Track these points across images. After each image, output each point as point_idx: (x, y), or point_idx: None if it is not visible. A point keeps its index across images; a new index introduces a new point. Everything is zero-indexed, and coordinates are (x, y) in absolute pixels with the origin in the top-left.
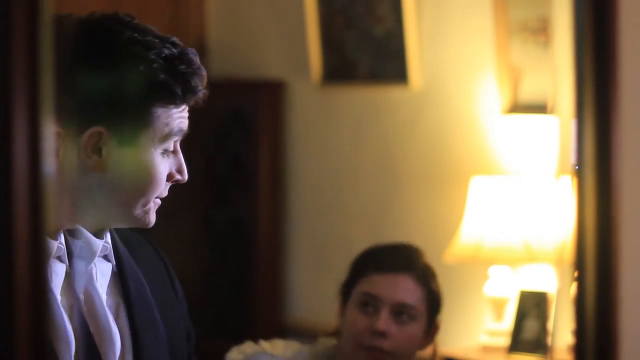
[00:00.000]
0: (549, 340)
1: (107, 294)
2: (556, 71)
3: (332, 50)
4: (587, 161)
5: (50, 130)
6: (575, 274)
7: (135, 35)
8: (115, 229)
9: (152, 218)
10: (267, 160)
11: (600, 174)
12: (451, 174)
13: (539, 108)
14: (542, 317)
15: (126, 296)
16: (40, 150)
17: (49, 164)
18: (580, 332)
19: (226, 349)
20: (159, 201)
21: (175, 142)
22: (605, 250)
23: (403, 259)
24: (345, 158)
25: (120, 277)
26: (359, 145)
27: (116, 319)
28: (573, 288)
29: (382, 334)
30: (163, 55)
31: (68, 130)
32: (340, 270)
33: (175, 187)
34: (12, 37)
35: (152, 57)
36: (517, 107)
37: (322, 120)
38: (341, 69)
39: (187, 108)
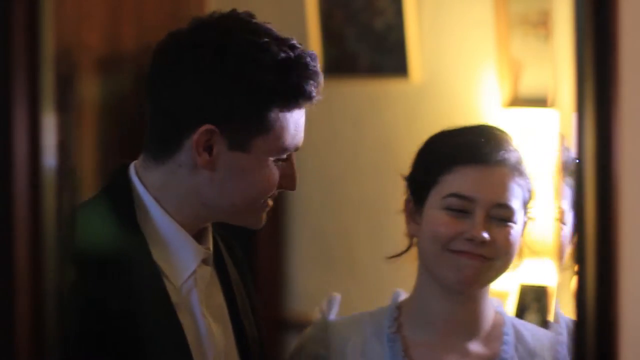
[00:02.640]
0: None
1: (206, 298)
2: (557, 64)
3: (332, 43)
4: (587, 154)
5: (50, 124)
6: (576, 268)
7: (252, 37)
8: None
9: (262, 219)
10: None
11: (600, 167)
12: None
13: (540, 101)
14: (543, 311)
15: (230, 300)
16: (41, 144)
17: (49, 157)
18: (580, 325)
19: None
20: (270, 202)
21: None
22: (605, 244)
23: (497, 147)
24: (345, 151)
25: (223, 280)
26: (359, 138)
27: (217, 322)
28: (573, 282)
29: (482, 242)
30: (279, 58)
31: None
32: (340, 264)
33: None
34: (12, 31)
35: (267, 60)
36: (518, 101)
37: (322, 114)
38: (341, 62)
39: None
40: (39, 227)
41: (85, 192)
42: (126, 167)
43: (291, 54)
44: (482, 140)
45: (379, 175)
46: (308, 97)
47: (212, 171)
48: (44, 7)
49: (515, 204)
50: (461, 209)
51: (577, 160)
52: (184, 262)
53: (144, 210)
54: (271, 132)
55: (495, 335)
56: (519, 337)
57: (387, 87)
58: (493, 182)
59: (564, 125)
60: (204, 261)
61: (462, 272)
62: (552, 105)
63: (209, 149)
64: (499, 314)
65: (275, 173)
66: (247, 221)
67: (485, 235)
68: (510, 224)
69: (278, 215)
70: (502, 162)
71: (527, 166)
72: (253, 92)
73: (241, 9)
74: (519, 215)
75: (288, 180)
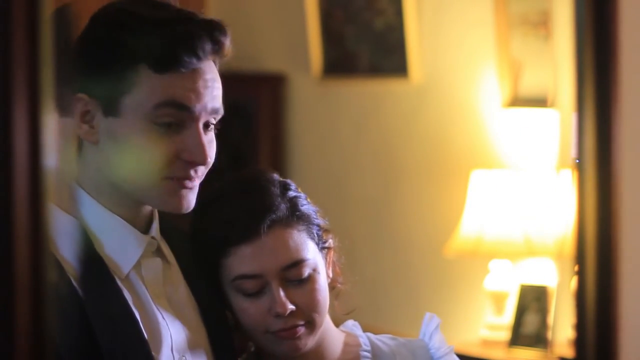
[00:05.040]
0: (549, 334)
1: (164, 289)
2: (557, 64)
3: (332, 44)
4: (587, 154)
5: (50, 123)
6: (576, 267)
7: (125, 5)
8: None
9: (181, 199)
10: (267, 153)
11: (600, 168)
12: (451, 167)
13: (540, 101)
14: (543, 311)
15: (193, 290)
16: (41, 143)
17: (50, 157)
18: (580, 326)
19: None
20: (190, 184)
21: (187, 117)
22: (605, 244)
23: (258, 209)
24: (345, 151)
25: (182, 270)
26: (359, 138)
27: (180, 317)
28: (573, 282)
29: (289, 314)
30: (147, 20)
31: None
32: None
33: None
34: (12, 29)
35: (132, 23)
36: (518, 101)
37: (322, 114)
38: (341, 62)
39: (201, 81)
40: (39, 227)
41: None
42: None
43: (163, 16)
44: (240, 209)
45: (378, 175)
46: (178, 61)
47: (96, 143)
48: (45, 6)
49: (305, 254)
50: (255, 288)
51: (577, 161)
52: (127, 252)
53: (82, 204)
54: (135, 90)
55: (351, 358)
56: (377, 353)
57: (387, 88)
58: (272, 249)
59: (564, 125)
60: (154, 253)
61: (289, 345)
62: (552, 105)
63: (89, 120)
64: (353, 336)
65: (158, 139)
66: (162, 202)
67: (290, 306)
68: (307, 278)
69: None
70: (273, 225)
71: (303, 203)
72: (115, 52)
73: (241, 6)
74: (315, 259)
75: (193, 151)
